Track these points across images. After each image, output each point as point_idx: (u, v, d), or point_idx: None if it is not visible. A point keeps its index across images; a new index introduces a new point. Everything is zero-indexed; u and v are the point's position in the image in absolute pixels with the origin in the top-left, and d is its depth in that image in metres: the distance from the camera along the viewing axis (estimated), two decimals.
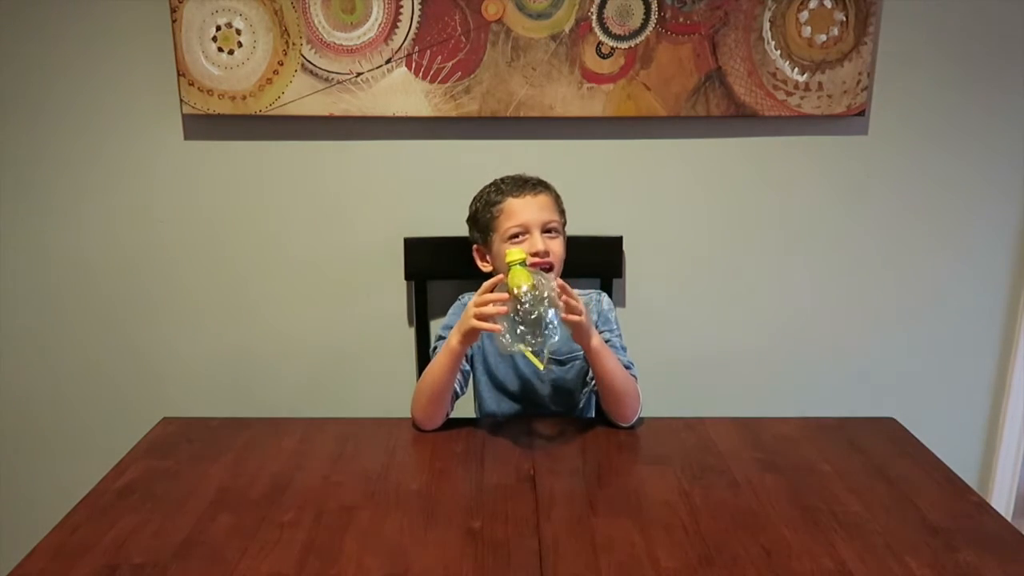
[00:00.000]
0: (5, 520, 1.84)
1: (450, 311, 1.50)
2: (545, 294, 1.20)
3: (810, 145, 1.69)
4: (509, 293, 1.21)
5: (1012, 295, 1.78)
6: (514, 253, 1.25)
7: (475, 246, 1.50)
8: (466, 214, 1.51)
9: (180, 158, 1.67)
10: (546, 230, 1.40)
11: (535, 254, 1.37)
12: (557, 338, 1.20)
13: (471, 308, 1.25)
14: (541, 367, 1.26)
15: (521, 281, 1.21)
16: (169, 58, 1.58)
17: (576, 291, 1.51)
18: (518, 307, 1.19)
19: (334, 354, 1.79)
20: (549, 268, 1.38)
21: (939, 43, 1.64)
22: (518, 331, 1.19)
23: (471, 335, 1.28)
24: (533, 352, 1.22)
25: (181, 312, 1.75)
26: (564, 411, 1.50)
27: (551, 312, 1.19)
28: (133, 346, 1.77)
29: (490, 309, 1.22)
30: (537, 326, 1.19)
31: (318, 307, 1.76)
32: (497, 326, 1.22)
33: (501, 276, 1.27)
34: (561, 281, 1.27)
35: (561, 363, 1.46)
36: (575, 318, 1.24)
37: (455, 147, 1.67)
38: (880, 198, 1.72)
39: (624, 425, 1.36)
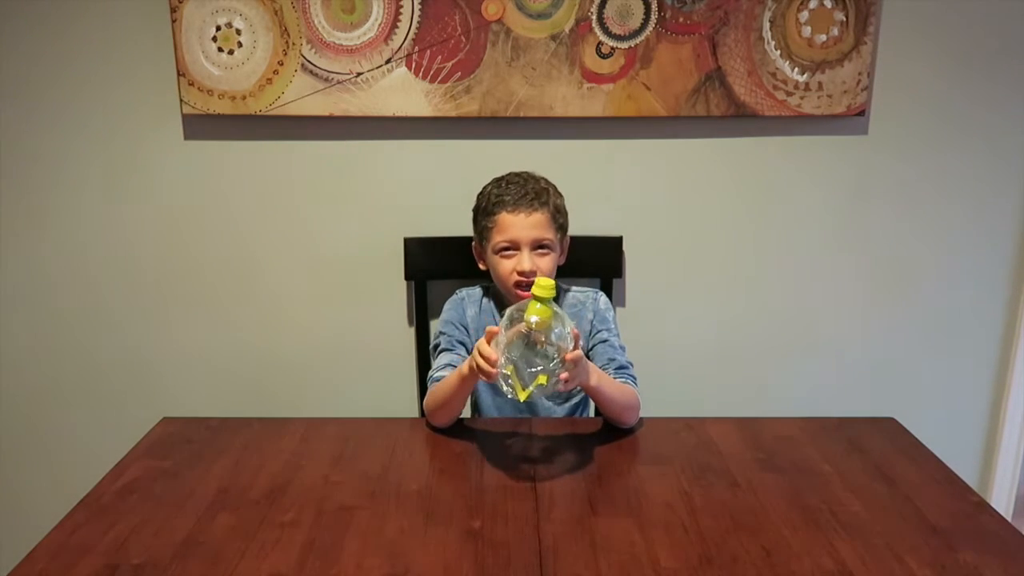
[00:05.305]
0: (5, 520, 1.84)
1: (446, 306, 1.51)
2: (549, 337, 1.10)
3: (810, 145, 1.69)
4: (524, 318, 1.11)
5: (1012, 295, 1.78)
6: (541, 284, 1.11)
7: (473, 243, 1.50)
8: (466, 214, 1.51)
9: (180, 158, 1.67)
10: (538, 246, 1.40)
11: (521, 273, 1.37)
12: (540, 385, 1.10)
13: (477, 348, 1.17)
14: (520, 399, 1.12)
15: (532, 315, 1.10)
16: (169, 58, 1.59)
17: (574, 288, 1.51)
18: (520, 336, 1.11)
19: (334, 354, 1.79)
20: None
21: (939, 43, 1.64)
22: (512, 353, 1.11)
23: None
24: (519, 382, 1.11)
25: (181, 312, 1.75)
26: (559, 405, 1.51)
27: (542, 362, 1.10)
28: (133, 346, 1.77)
29: (482, 363, 1.14)
30: (527, 362, 1.10)
31: (318, 307, 1.76)
32: (494, 373, 1.13)
33: (498, 329, 1.15)
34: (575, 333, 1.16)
35: None
36: (563, 388, 1.14)
37: (455, 147, 1.67)
38: (880, 198, 1.72)
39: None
